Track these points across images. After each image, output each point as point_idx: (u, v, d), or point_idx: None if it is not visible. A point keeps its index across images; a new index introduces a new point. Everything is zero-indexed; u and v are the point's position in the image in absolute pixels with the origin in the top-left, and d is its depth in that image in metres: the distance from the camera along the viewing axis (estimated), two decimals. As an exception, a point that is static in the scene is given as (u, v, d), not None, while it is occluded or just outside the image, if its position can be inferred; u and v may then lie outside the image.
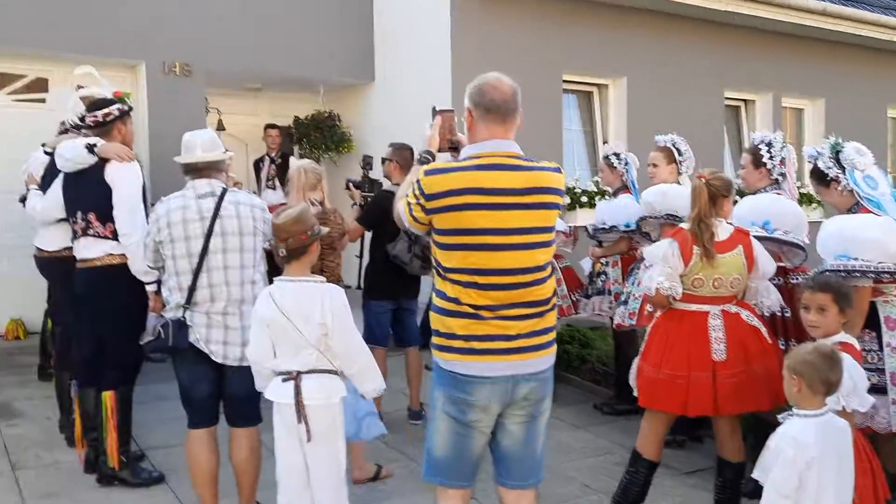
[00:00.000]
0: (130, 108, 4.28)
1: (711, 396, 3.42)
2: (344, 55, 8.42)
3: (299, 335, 3.10)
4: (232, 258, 3.53)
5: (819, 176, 3.72)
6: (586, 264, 5.65)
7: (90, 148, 3.99)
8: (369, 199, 5.16)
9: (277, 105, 9.39)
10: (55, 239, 4.52)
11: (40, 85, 7.43)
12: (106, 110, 4.12)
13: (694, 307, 3.52)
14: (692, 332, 3.49)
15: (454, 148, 2.98)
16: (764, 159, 4.36)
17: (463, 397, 2.61)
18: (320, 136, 8.56)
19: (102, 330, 4.09)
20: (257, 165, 8.67)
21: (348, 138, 8.72)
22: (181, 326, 3.47)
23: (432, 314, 2.70)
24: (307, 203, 3.49)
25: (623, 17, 8.58)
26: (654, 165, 5.15)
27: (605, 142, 8.89)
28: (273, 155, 8.48)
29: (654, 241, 4.97)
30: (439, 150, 2.97)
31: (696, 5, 8.49)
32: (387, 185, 5.26)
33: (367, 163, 5.59)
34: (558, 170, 2.72)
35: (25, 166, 5.24)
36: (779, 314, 4.01)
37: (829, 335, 3.03)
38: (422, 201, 2.63)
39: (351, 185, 5.34)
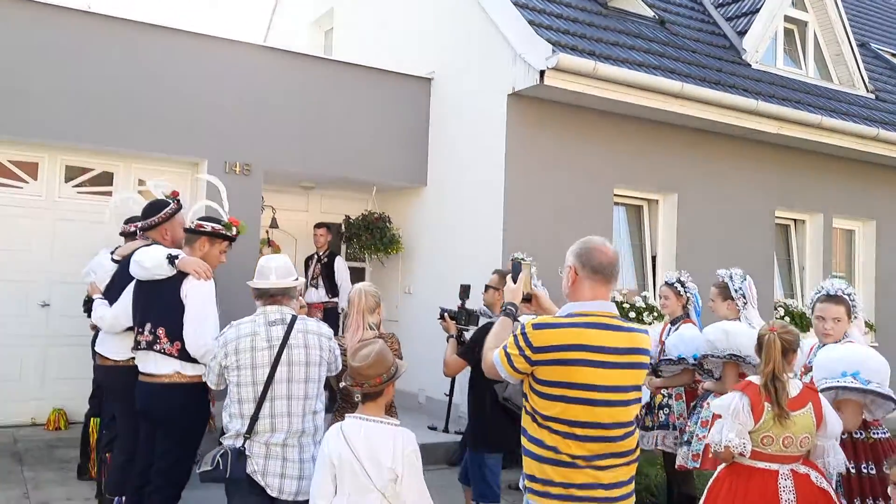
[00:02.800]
0: (232, 238, 4.32)
1: None
2: (397, 159, 8.59)
3: (367, 477, 3.05)
4: (297, 388, 3.53)
5: None
6: (643, 395, 5.52)
7: (171, 259, 4.02)
8: (465, 331, 4.86)
9: (328, 203, 9.57)
10: (121, 348, 4.46)
11: (105, 179, 7.65)
12: (200, 221, 4.19)
13: (762, 465, 3.44)
14: (761, 492, 3.39)
15: (527, 300, 3.22)
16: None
17: None
18: (370, 236, 8.64)
19: (164, 446, 4.01)
20: (306, 263, 8.77)
21: (397, 240, 8.80)
22: (240, 456, 3.43)
23: (526, 458, 2.81)
24: (381, 340, 3.47)
25: (674, 134, 8.68)
26: (712, 301, 5.18)
27: (653, 256, 8.86)
28: (320, 254, 8.58)
29: (716, 378, 4.92)
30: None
31: (746, 127, 8.56)
32: (485, 312, 5.15)
33: (465, 292, 5.05)
34: (647, 332, 2.93)
35: (87, 269, 5.33)
36: (853, 472, 3.86)
37: None
38: (527, 353, 2.76)
39: (446, 315, 4.89)
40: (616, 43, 8.07)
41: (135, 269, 4.17)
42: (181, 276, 4.03)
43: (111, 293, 4.52)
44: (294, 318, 3.63)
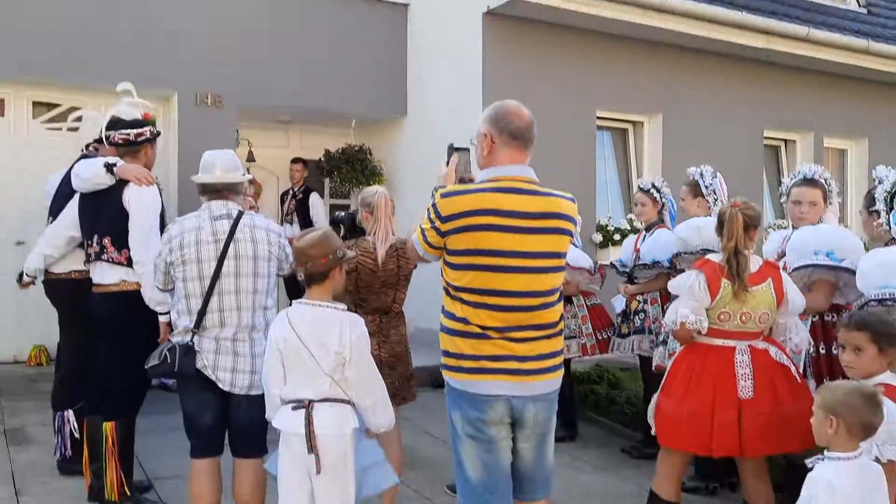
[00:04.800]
0: (159, 133, 4.25)
1: (736, 436, 3.25)
2: (376, 90, 8.43)
3: (314, 362, 2.98)
4: (245, 283, 3.44)
5: (869, 201, 3.54)
6: (618, 302, 5.45)
7: (109, 167, 3.93)
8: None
9: (309, 139, 9.42)
10: (64, 261, 4.45)
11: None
12: (139, 130, 4.08)
13: (719, 342, 3.38)
14: (718, 369, 3.34)
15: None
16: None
17: (479, 416, 2.62)
18: (350, 169, 8.52)
19: (111, 356, 3.99)
20: (282, 199, 8.66)
21: (379, 172, 8.68)
22: (188, 351, 3.36)
23: (441, 335, 2.72)
24: (329, 227, 3.40)
25: (659, 53, 8.47)
26: (682, 199, 5.05)
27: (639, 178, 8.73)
28: (296, 189, 8.46)
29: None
30: None
31: (733, 42, 8.33)
32: None
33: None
34: (573, 199, 2.78)
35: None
36: (823, 353, 3.79)
37: (868, 376, 2.80)
38: (437, 224, 2.65)
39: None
40: (594, -42, 7.81)
41: (76, 182, 4.10)
42: (122, 184, 3.95)
43: (54, 207, 4.49)
44: (241, 213, 3.53)
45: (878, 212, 3.44)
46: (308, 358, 2.99)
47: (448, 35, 7.99)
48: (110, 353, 3.99)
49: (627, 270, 5.41)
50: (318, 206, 8.43)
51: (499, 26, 7.53)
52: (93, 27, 7.01)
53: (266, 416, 3.13)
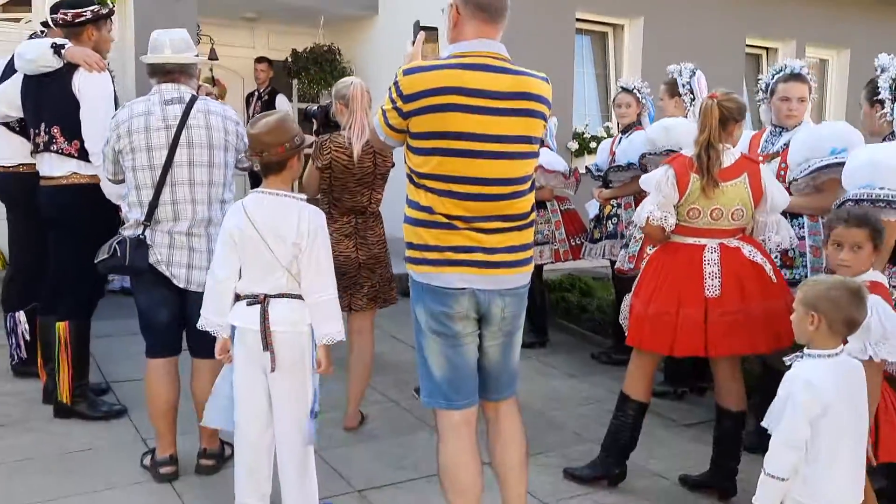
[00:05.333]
0: (111, 12, 3.91)
1: (701, 336, 3.15)
2: (346, -15, 7.99)
3: (270, 254, 2.79)
4: (199, 173, 3.23)
5: (871, 91, 3.34)
6: (592, 207, 5.31)
7: (56, 49, 3.62)
8: None
9: (275, 39, 8.97)
10: (10, 152, 4.11)
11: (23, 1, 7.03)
12: (78, 10, 3.75)
13: (690, 240, 3.24)
14: (685, 267, 3.21)
15: None
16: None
17: (443, 310, 2.46)
18: (318, 70, 8.15)
19: (63, 253, 3.78)
20: (247, 101, 8.31)
21: (348, 73, 8.31)
22: (139, 245, 3.18)
23: (405, 226, 2.53)
24: (285, 111, 3.16)
25: (642, -48, 8.10)
26: (661, 99, 4.87)
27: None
28: (261, 90, 8.09)
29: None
30: None
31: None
32: None
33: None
34: (547, 80, 2.53)
35: None
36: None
37: (859, 274, 2.70)
38: (399, 104, 2.41)
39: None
40: None
41: (19, 63, 3.79)
42: (71, 68, 3.65)
43: None
44: (194, 98, 3.28)
45: (881, 101, 3.25)
46: (265, 250, 2.80)
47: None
48: (62, 250, 3.79)
49: (602, 174, 5.26)
50: (286, 108, 8.09)
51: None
52: None
53: (201, 318, 2.89)
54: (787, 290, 3.30)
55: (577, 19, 8.01)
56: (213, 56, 8.20)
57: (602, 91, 8.59)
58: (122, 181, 3.33)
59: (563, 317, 6.10)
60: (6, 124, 4.12)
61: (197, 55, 3.40)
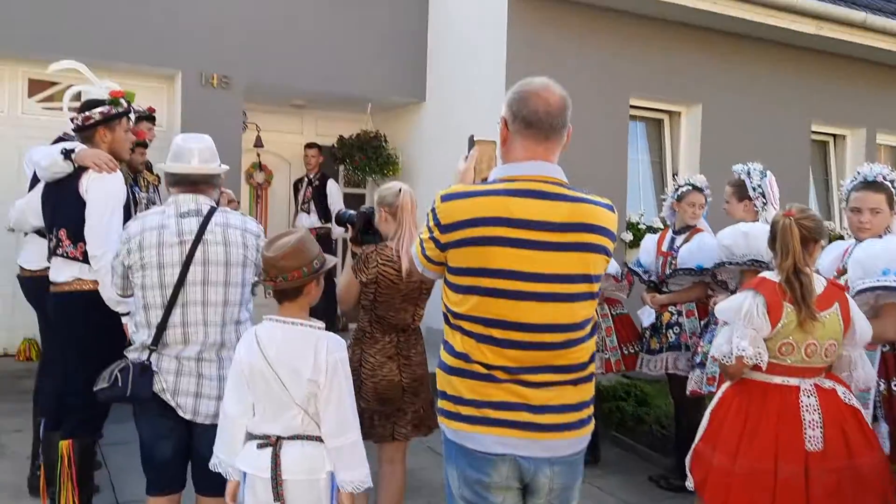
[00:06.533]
0: (125, 112, 3.76)
1: (804, 498, 2.69)
2: (394, 73, 7.89)
3: (284, 391, 2.50)
4: (214, 293, 2.95)
5: None
6: (647, 315, 4.87)
7: (67, 154, 3.48)
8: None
9: (324, 125, 8.90)
10: (36, 255, 4.01)
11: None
12: (87, 113, 3.62)
13: (778, 380, 2.82)
14: (779, 414, 2.77)
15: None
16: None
17: (479, 478, 2.11)
18: (364, 156, 8.00)
19: (68, 365, 3.54)
20: (296, 186, 8.19)
21: (394, 161, 8.15)
22: (143, 371, 2.89)
23: (438, 371, 2.22)
24: (305, 229, 2.88)
25: (698, 38, 7.81)
26: (727, 202, 4.50)
27: (674, 174, 8.11)
28: (311, 176, 7.97)
29: (732, 292, 4.25)
30: None
31: (780, 27, 7.64)
32: None
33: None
34: (612, 208, 2.16)
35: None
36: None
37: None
38: (436, 234, 2.12)
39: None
40: (630, -69, 7.17)
41: (37, 170, 3.70)
42: (81, 170, 3.49)
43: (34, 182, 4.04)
44: (212, 210, 3.03)
45: None
46: (277, 386, 2.52)
47: (471, 15, 7.42)
48: (65, 363, 3.56)
49: (654, 278, 4.86)
50: (336, 194, 7.94)
51: (524, 6, 6.94)
52: (91, 1, 6.55)
53: (213, 456, 2.63)
54: (879, 439, 2.85)
55: (632, 105, 7.72)
56: (258, 143, 8.16)
57: (658, 179, 8.22)
58: (131, 296, 3.08)
59: (617, 429, 5.60)
60: (38, 231, 4.04)
61: (219, 164, 3.16)
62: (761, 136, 8.14)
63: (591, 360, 2.17)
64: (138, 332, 2.98)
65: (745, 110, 8.11)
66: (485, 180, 2.37)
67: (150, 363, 2.90)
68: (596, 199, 2.16)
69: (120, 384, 2.86)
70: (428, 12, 8.03)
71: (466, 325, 2.10)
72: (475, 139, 2.48)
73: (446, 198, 2.12)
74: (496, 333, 2.06)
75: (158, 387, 2.90)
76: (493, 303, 2.06)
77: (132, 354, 2.96)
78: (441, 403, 2.19)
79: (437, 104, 7.93)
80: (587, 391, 2.16)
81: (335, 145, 8.29)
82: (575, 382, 2.12)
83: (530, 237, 2.04)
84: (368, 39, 7.72)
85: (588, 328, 2.15)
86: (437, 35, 7.95)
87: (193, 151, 3.07)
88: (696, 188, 4.82)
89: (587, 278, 2.12)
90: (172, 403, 2.90)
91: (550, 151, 2.15)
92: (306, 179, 8.03)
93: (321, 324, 2.66)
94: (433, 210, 2.15)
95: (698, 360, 4.32)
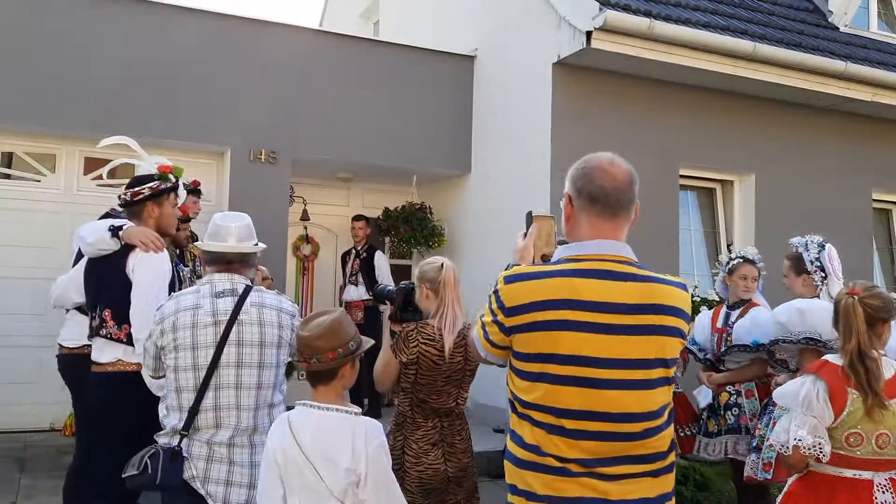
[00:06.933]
0: (174, 187, 3.76)
1: None
2: (439, 145, 7.94)
3: (319, 481, 2.36)
4: (248, 375, 2.86)
5: None
6: (704, 395, 4.61)
7: (114, 231, 3.47)
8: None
9: (370, 197, 8.96)
10: (75, 333, 3.96)
11: (127, 171, 7.24)
12: (136, 188, 3.63)
13: (848, 474, 2.59)
14: None
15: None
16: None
17: None
18: (409, 228, 7.98)
19: (99, 450, 3.43)
20: (344, 259, 8.18)
21: (440, 232, 8.11)
22: (173, 457, 2.78)
23: (506, 464, 2.08)
24: (342, 309, 2.78)
25: (750, 106, 7.68)
26: (784, 276, 4.30)
27: (729, 245, 7.87)
28: (359, 248, 7.96)
29: (792, 370, 4.00)
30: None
31: (834, 94, 7.47)
32: None
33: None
34: (684, 287, 2.04)
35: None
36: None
37: None
38: (500, 317, 2.01)
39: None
40: (677, 3, 7.16)
41: (82, 246, 3.65)
42: (128, 249, 3.46)
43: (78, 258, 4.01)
44: (248, 289, 2.97)
45: None
46: (311, 475, 2.38)
47: (516, 87, 7.44)
48: (99, 447, 3.44)
49: (710, 356, 4.62)
50: (384, 266, 7.90)
51: (570, 77, 6.92)
52: (144, 82, 6.77)
53: None
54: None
55: (682, 175, 7.57)
56: (304, 217, 8.22)
57: (711, 250, 7.98)
58: (163, 377, 3.00)
59: (674, 517, 5.26)
60: (79, 307, 4.00)
61: (256, 242, 3.11)
62: (820, 204, 7.88)
63: (671, 449, 2.02)
64: (169, 416, 2.89)
65: (801, 179, 7.89)
66: (544, 257, 2.28)
67: (181, 448, 2.80)
68: (667, 277, 2.05)
69: (150, 471, 2.76)
70: (473, 84, 8.10)
71: (536, 415, 1.98)
72: (533, 214, 2.39)
73: (510, 279, 2.02)
74: (568, 424, 1.94)
75: (188, 474, 2.78)
76: (564, 391, 1.94)
77: (162, 439, 2.87)
78: (512, 499, 2.04)
79: (483, 176, 7.91)
80: (668, 482, 2.00)
81: (381, 217, 8.30)
82: (655, 474, 1.98)
83: (601, 320, 1.93)
84: (413, 113, 7.80)
85: (666, 415, 2.01)
86: (481, 107, 8.00)
87: (231, 230, 3.03)
88: (747, 260, 4.61)
89: (664, 363, 1.99)
90: (202, 492, 2.78)
91: (618, 229, 2.05)
92: (354, 251, 8.02)
93: (357, 409, 2.54)
94: (496, 292, 2.05)
95: (755, 443, 4.05)
